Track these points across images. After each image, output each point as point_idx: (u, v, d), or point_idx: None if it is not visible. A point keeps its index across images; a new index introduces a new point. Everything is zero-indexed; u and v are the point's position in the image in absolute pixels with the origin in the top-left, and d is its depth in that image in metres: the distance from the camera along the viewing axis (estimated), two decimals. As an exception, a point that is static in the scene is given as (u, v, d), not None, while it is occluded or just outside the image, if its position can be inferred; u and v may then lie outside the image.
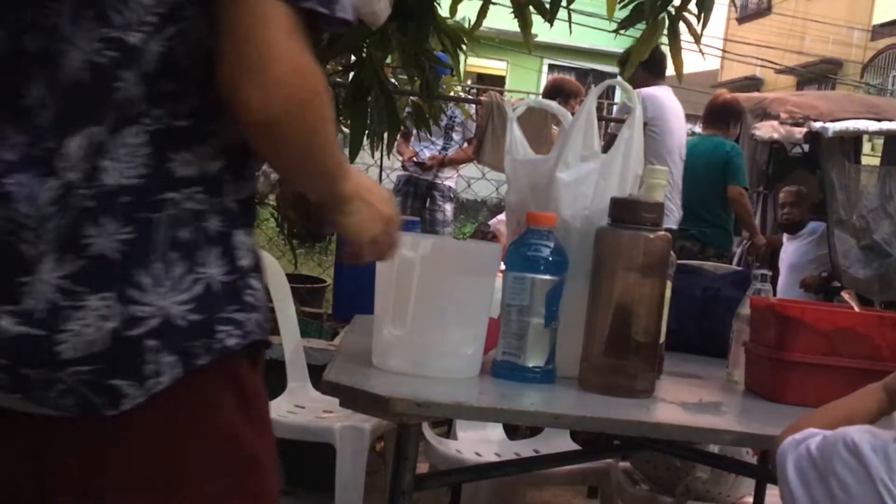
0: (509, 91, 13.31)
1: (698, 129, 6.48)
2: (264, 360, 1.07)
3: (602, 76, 16.94)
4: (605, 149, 1.60)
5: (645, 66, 4.80)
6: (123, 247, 0.93)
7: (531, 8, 3.29)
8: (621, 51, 3.96)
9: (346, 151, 3.25)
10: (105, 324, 0.92)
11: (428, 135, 4.86)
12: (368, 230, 1.15)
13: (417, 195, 5.75)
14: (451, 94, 5.27)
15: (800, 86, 17.32)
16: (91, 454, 0.96)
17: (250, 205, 1.04)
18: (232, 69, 0.91)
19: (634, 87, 1.84)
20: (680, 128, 5.00)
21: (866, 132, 6.51)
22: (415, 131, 4.72)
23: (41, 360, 0.91)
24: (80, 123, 0.91)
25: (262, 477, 1.04)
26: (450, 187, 5.80)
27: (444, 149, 5.67)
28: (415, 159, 5.65)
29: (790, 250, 6.20)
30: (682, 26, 3.20)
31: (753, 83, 17.78)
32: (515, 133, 1.64)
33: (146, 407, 0.94)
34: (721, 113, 5.66)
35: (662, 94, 5.01)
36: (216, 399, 0.99)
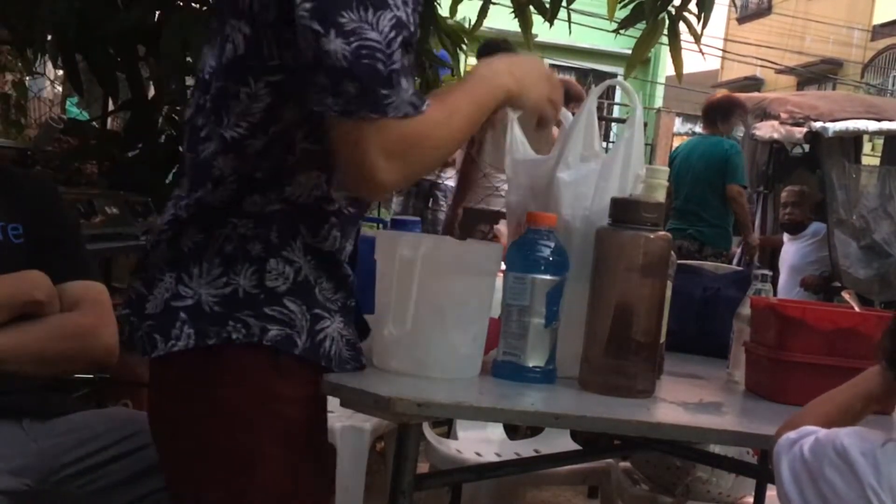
0: (509, 91, 13.27)
1: (699, 129, 6.48)
2: (299, 360, 1.30)
3: (602, 76, 16.92)
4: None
5: None
6: (193, 245, 1.29)
7: (531, 8, 3.29)
8: (621, 51, 3.97)
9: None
10: (164, 294, 1.28)
11: None
12: (543, 98, 1.45)
13: (420, 195, 5.74)
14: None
15: (800, 86, 17.32)
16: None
17: (320, 254, 1.32)
18: (347, 181, 1.26)
19: None
20: None
21: (866, 132, 6.50)
22: None
23: (138, 310, 1.30)
24: (195, 187, 1.31)
25: (236, 447, 1.27)
26: (451, 187, 5.79)
27: None
28: None
29: (791, 251, 6.20)
30: (682, 26, 3.20)
31: (753, 83, 17.78)
32: (516, 133, 1.64)
33: (167, 360, 1.27)
34: (709, 112, 5.73)
35: None
36: (215, 372, 1.27)
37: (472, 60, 5.66)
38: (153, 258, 1.32)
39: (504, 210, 4.92)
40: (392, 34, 1.16)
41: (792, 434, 1.23)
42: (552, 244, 1.48)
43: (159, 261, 1.31)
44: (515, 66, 1.41)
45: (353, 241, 1.42)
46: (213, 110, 1.28)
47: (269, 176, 1.28)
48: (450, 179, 5.75)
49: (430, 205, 5.74)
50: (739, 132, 5.84)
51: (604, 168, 1.55)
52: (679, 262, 1.80)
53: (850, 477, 1.14)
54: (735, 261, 6.04)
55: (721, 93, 6.91)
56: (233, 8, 1.26)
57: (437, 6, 3.34)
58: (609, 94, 17.02)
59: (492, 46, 5.48)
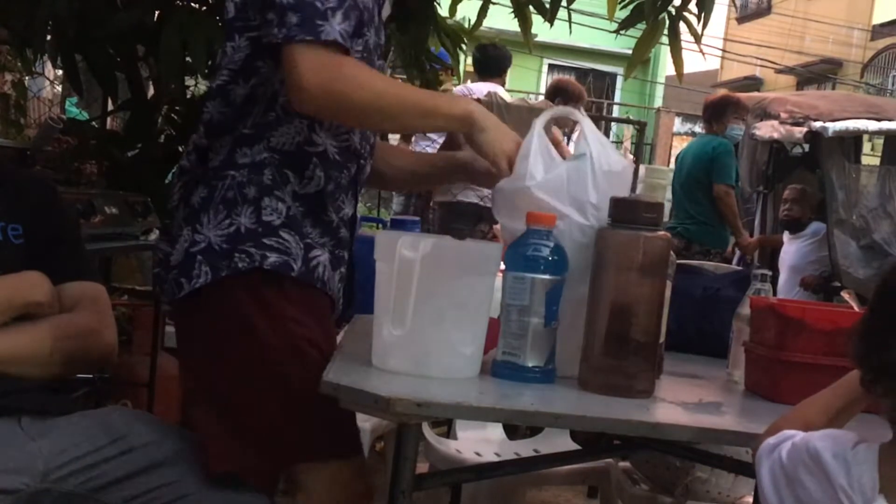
0: (509, 91, 13.31)
1: (699, 129, 6.48)
2: (298, 283, 1.55)
3: (602, 76, 16.93)
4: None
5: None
6: (200, 200, 1.56)
7: (531, 8, 3.29)
8: (621, 51, 3.98)
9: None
10: (184, 245, 1.55)
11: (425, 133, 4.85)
12: (504, 144, 1.59)
13: (422, 195, 5.71)
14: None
15: (800, 86, 17.33)
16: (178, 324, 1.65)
17: (307, 197, 1.58)
18: (290, 98, 1.51)
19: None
20: None
21: (866, 132, 6.49)
22: None
23: (165, 264, 1.58)
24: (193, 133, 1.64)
25: (266, 352, 1.53)
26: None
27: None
28: None
29: (791, 251, 6.20)
30: (682, 26, 3.20)
31: (753, 83, 17.79)
32: (540, 137, 1.59)
33: (191, 297, 1.54)
34: (705, 112, 5.83)
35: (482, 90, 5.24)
36: (234, 298, 1.53)
37: (472, 61, 5.67)
38: (174, 222, 1.60)
39: (480, 203, 4.94)
40: None
41: (772, 439, 1.24)
42: (551, 244, 1.48)
43: (178, 221, 1.58)
44: (491, 117, 1.61)
45: (348, 200, 1.66)
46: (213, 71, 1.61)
47: (256, 130, 1.56)
48: None
49: (430, 204, 5.71)
50: (738, 131, 5.84)
51: (570, 172, 1.54)
52: (679, 262, 1.80)
53: (822, 479, 1.15)
54: (735, 261, 6.04)
55: (720, 92, 6.92)
56: None
57: (437, 6, 3.34)
58: (609, 93, 17.03)
59: (488, 51, 5.52)
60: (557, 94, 5.54)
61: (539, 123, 1.61)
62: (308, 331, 1.55)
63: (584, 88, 5.73)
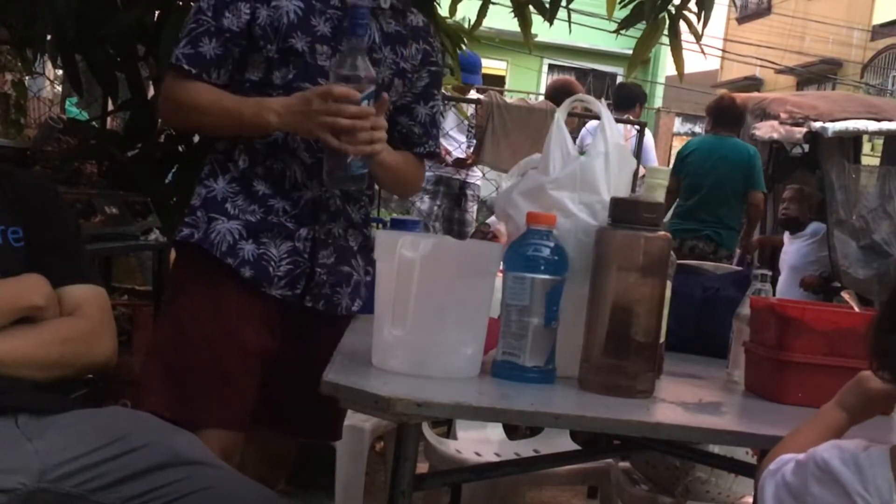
0: (509, 91, 13.31)
1: (699, 129, 6.46)
2: (197, 249, 1.91)
3: (602, 76, 16.92)
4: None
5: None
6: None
7: (531, 8, 3.29)
8: (621, 51, 3.98)
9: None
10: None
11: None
12: (309, 123, 1.76)
13: (449, 195, 5.60)
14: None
15: (800, 86, 17.33)
16: None
17: (240, 176, 1.93)
18: None
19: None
20: None
21: (866, 132, 6.49)
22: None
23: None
24: None
25: (164, 316, 2.13)
26: (479, 186, 5.70)
27: (469, 146, 5.52)
28: (448, 157, 5.43)
29: (791, 251, 6.20)
30: (682, 26, 3.20)
31: (753, 83, 17.78)
32: (561, 128, 1.60)
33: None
34: (726, 113, 5.63)
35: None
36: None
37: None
38: None
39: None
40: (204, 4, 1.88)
41: (772, 465, 1.24)
42: (551, 244, 1.48)
43: None
44: (284, 106, 1.80)
45: (311, 185, 1.89)
46: None
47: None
48: (477, 179, 5.66)
49: (461, 205, 5.60)
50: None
51: (584, 170, 1.54)
52: (682, 262, 1.80)
53: (836, 488, 1.14)
54: (735, 261, 6.04)
55: (724, 92, 6.90)
56: None
57: (437, 6, 3.34)
58: (609, 93, 17.02)
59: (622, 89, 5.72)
60: (557, 93, 5.51)
61: (561, 114, 1.62)
62: (191, 299, 1.91)
63: (583, 88, 5.71)
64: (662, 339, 1.59)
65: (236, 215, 1.89)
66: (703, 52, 3.49)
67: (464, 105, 5.56)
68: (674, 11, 3.16)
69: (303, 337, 1.94)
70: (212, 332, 1.87)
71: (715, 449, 2.23)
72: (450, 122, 5.45)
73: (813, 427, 1.29)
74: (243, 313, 1.88)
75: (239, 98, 1.85)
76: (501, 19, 3.79)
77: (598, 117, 1.62)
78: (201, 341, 1.87)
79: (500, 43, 5.63)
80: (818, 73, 17.43)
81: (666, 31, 3.17)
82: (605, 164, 1.55)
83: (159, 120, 3.40)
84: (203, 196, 1.92)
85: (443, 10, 3.47)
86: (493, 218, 5.37)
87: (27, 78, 5.07)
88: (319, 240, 1.92)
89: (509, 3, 3.31)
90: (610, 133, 1.57)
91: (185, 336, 1.89)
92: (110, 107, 3.58)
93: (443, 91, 4.57)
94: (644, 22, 3.15)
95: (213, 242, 1.88)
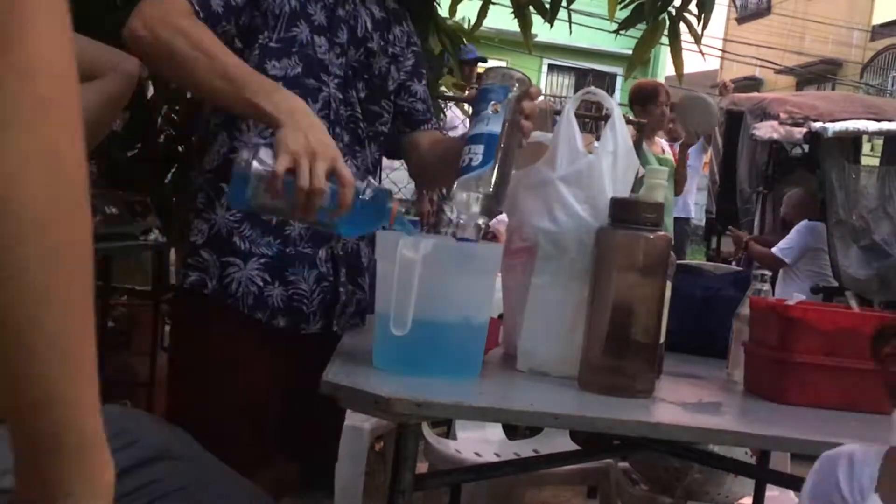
0: (509, 91, 13.26)
1: (698, 129, 6.42)
2: (214, 301, 1.68)
3: (602, 76, 16.93)
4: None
5: None
6: None
7: (531, 8, 3.29)
8: (621, 51, 3.98)
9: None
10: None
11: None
12: (291, 144, 1.42)
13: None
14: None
15: (799, 86, 17.33)
16: None
17: (205, 213, 1.70)
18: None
19: None
20: None
21: (866, 132, 6.50)
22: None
23: None
24: None
25: (177, 369, 1.86)
26: None
27: None
28: None
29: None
30: (682, 26, 3.20)
31: (753, 83, 17.78)
32: (571, 122, 1.58)
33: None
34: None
35: None
36: (176, 310, 2.08)
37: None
38: None
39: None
40: None
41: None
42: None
43: None
44: (302, 115, 1.48)
45: None
46: None
47: (199, 157, 1.71)
48: None
49: None
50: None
51: (590, 169, 1.54)
52: (679, 262, 1.80)
53: (823, 476, 1.15)
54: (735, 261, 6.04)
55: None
56: None
57: (437, 6, 3.34)
58: (609, 93, 17.01)
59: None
60: (640, 94, 5.38)
61: (570, 107, 1.62)
62: (216, 364, 1.70)
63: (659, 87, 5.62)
64: (662, 339, 1.59)
65: (249, 251, 1.67)
66: (702, 53, 3.49)
67: (464, 105, 5.56)
68: (674, 12, 3.16)
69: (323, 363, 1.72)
70: (243, 402, 1.70)
71: (715, 449, 2.23)
72: (450, 121, 5.45)
73: None
74: (273, 370, 1.71)
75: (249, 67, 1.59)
76: (501, 19, 3.78)
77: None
78: (231, 409, 1.69)
79: (500, 43, 5.62)
80: (818, 74, 17.43)
81: (666, 32, 3.17)
82: (612, 163, 1.55)
83: (159, 120, 3.41)
84: (206, 233, 1.69)
85: (443, 11, 3.47)
86: (494, 218, 5.36)
87: (27, 77, 5.06)
88: (339, 257, 1.76)
89: (509, 4, 3.31)
90: (620, 132, 1.57)
91: (213, 404, 1.70)
92: (110, 106, 3.57)
93: (442, 90, 4.58)
94: (644, 22, 3.15)
95: (235, 295, 1.66)
